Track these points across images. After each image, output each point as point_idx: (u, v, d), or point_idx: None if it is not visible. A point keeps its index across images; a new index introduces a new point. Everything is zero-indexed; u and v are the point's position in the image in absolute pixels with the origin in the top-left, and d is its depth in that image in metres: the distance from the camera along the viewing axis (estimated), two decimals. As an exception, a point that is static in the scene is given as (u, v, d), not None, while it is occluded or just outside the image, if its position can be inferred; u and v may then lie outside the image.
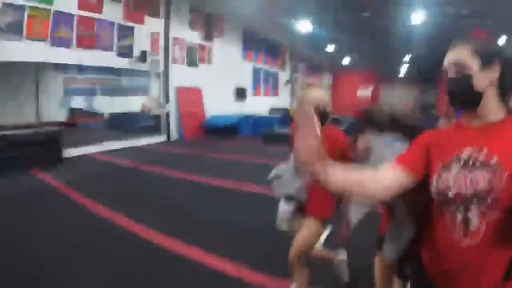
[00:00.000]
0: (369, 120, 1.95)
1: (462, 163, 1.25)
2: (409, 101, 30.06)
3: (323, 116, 2.55)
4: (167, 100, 12.46)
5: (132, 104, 19.63)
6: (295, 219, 2.73)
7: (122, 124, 16.50)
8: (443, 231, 1.33)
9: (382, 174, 1.36)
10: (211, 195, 5.99)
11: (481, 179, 1.19)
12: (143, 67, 11.47)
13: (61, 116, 17.64)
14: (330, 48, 22.46)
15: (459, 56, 1.28)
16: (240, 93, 17.57)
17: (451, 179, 1.26)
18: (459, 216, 1.26)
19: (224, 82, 15.81)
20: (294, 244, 2.65)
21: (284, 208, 2.70)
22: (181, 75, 12.90)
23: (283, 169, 2.74)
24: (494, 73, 1.25)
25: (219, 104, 14.83)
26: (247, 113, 16.02)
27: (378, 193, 1.33)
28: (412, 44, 19.34)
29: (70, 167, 8.04)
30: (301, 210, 2.71)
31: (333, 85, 30.21)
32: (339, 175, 1.31)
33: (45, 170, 7.41)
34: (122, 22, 10.54)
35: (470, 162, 1.24)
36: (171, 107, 12.71)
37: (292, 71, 23.27)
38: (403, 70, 30.05)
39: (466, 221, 1.24)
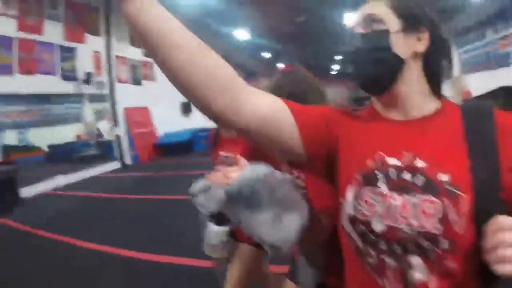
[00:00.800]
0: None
1: (393, 176, 0.80)
2: (343, 96, 31.38)
3: None
4: (115, 123, 11.63)
5: (67, 133, 18.38)
6: (229, 243, 2.06)
7: (64, 156, 15.32)
8: (367, 279, 0.84)
9: (257, 90, 0.88)
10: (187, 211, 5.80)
11: (429, 209, 0.73)
12: (88, 89, 10.64)
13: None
14: (266, 54, 22.71)
15: (373, 10, 0.88)
16: (186, 108, 16.99)
17: (378, 203, 0.79)
18: (392, 263, 0.78)
19: (168, 98, 15.24)
20: (229, 279, 2.18)
21: (214, 229, 1.96)
22: (127, 95, 12.12)
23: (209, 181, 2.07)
24: (420, 42, 0.86)
25: (167, 122, 14.17)
26: (200, 127, 15.47)
27: (233, 102, 0.79)
28: (345, 43, 19.98)
29: (32, 208, 7.13)
30: (233, 232, 2.09)
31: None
32: (166, 15, 0.76)
33: (3, 215, 6.40)
34: (64, 43, 9.68)
35: (407, 177, 0.78)
36: (121, 130, 11.88)
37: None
38: (337, 67, 31.14)
39: (403, 271, 0.77)
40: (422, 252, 0.74)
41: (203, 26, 14.85)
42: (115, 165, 11.64)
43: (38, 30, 8.84)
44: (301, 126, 0.86)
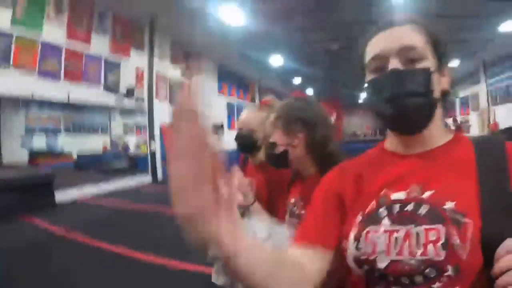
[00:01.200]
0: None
1: (397, 210, 0.77)
2: (370, 124, 31.29)
3: (245, 143, 1.97)
4: (152, 137, 11.80)
5: (95, 143, 18.69)
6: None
7: (93, 165, 15.54)
8: None
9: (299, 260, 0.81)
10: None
11: (433, 238, 0.70)
12: (129, 104, 10.90)
13: (23, 157, 16.32)
14: (297, 80, 22.89)
15: (408, 39, 0.80)
16: (218, 129, 17.14)
17: (380, 238, 0.76)
18: None
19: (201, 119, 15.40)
20: None
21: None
22: (164, 112, 12.32)
23: None
24: (445, 78, 0.84)
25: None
26: (232, 148, 15.56)
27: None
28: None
29: (68, 212, 7.29)
30: None
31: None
32: (260, 259, 0.66)
33: (40, 217, 6.56)
34: (109, 55, 9.99)
35: (410, 208, 0.76)
36: (156, 146, 12.00)
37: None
38: (363, 96, 31.19)
39: None
40: (428, 283, 0.70)
41: (241, 52, 15.17)
42: (146, 179, 11.78)
43: (86, 39, 9.17)
44: (331, 247, 0.85)
